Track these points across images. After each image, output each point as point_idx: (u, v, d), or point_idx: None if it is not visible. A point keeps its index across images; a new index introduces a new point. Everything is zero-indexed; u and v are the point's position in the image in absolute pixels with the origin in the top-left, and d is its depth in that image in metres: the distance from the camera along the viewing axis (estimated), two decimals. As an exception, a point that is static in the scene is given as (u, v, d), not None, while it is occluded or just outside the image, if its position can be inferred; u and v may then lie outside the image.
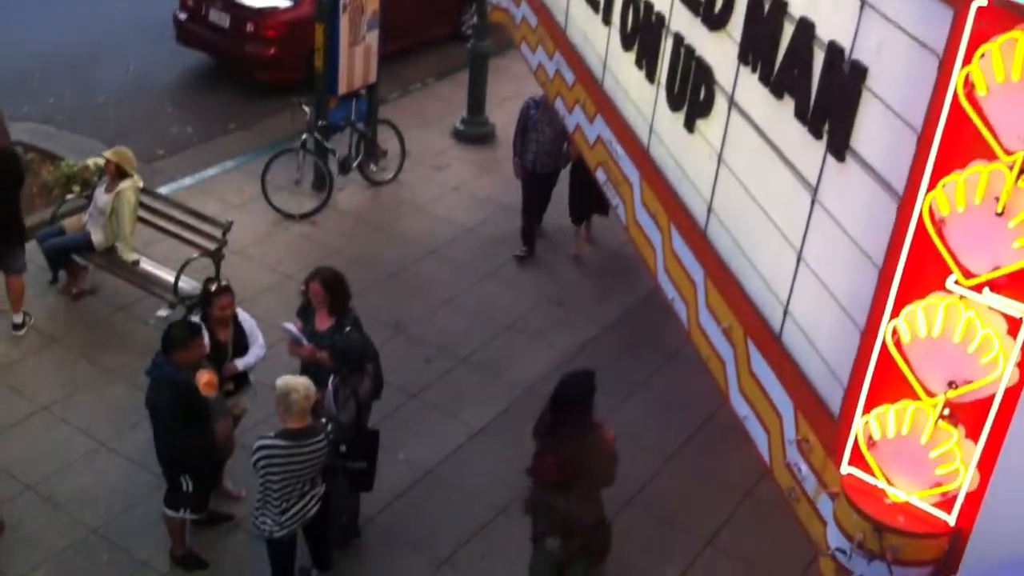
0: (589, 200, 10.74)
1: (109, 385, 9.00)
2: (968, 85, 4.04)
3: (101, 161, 9.95)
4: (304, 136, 11.61)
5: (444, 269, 10.92)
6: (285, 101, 12.57)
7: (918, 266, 4.39)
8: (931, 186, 4.26)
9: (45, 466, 8.20)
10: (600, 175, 8.44)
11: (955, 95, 4.10)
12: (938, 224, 4.24)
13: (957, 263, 4.20)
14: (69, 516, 7.82)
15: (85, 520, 7.80)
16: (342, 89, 11.72)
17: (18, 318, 9.45)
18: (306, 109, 11.59)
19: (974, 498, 4.50)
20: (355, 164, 12.03)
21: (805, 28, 5.28)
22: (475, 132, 13.40)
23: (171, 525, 7.44)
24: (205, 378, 7.02)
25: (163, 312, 9.69)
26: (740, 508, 8.32)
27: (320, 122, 11.62)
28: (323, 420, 6.98)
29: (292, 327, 7.82)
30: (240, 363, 7.74)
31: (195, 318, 7.81)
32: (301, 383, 6.70)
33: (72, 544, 7.62)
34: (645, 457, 8.67)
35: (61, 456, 8.30)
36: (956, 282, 4.24)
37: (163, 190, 11.14)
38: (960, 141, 4.14)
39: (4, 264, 9.28)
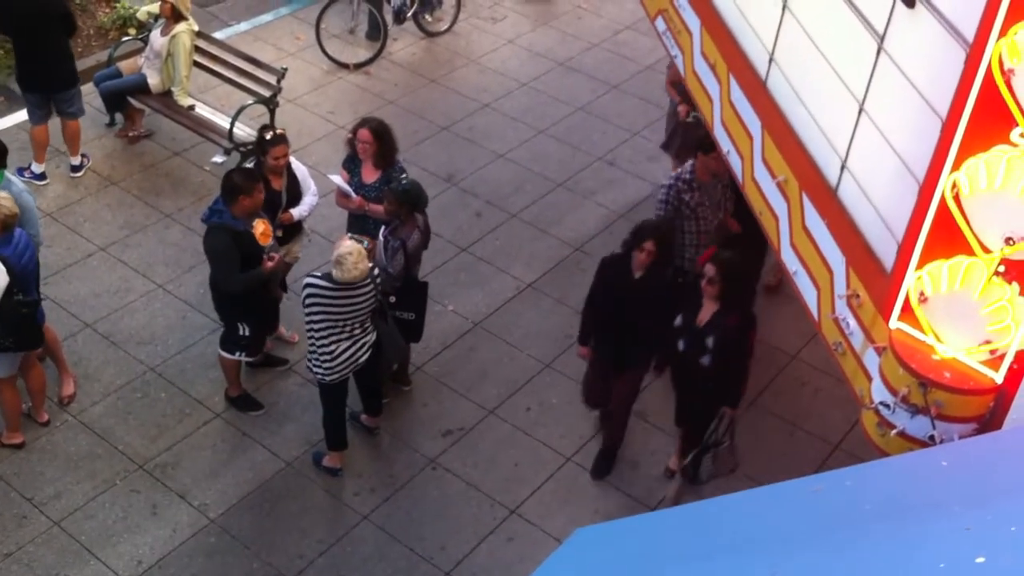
0: None
1: (166, 228, 9.13)
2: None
3: (154, 9, 9.87)
4: (359, -18, 11.42)
5: (497, 123, 10.81)
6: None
7: (983, 118, 4.26)
8: (1002, 33, 4.09)
9: (103, 305, 8.40)
10: (660, 24, 8.20)
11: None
12: (1007, 75, 4.11)
13: (1025, 114, 4.08)
14: (127, 354, 8.04)
15: (142, 359, 8.02)
16: (398, -65, 11.46)
17: (76, 160, 9.55)
18: (362, -45, 11.37)
19: (1023, 357, 4.47)
20: (410, 14, 11.81)
21: None
22: (533, -16, 13.04)
23: (226, 367, 7.63)
24: (261, 227, 7.08)
25: (218, 158, 9.76)
26: (784, 371, 8.34)
27: (375, -32, 11.41)
28: (372, 267, 7.03)
29: (340, 179, 7.80)
30: (295, 212, 7.76)
31: (249, 165, 7.82)
32: (355, 248, 6.66)
33: (130, 382, 7.86)
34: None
35: (119, 296, 8.50)
36: (1021, 135, 4.13)
37: (218, 35, 11.06)
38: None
39: (59, 110, 9.30)
